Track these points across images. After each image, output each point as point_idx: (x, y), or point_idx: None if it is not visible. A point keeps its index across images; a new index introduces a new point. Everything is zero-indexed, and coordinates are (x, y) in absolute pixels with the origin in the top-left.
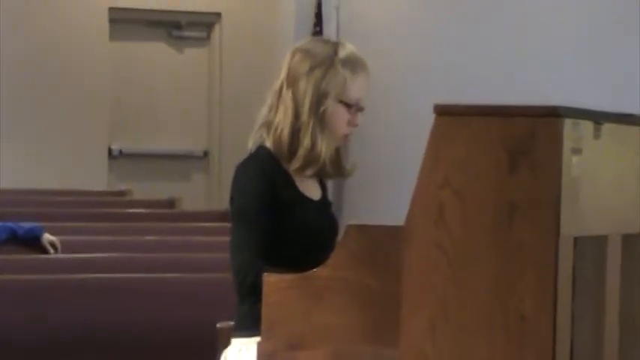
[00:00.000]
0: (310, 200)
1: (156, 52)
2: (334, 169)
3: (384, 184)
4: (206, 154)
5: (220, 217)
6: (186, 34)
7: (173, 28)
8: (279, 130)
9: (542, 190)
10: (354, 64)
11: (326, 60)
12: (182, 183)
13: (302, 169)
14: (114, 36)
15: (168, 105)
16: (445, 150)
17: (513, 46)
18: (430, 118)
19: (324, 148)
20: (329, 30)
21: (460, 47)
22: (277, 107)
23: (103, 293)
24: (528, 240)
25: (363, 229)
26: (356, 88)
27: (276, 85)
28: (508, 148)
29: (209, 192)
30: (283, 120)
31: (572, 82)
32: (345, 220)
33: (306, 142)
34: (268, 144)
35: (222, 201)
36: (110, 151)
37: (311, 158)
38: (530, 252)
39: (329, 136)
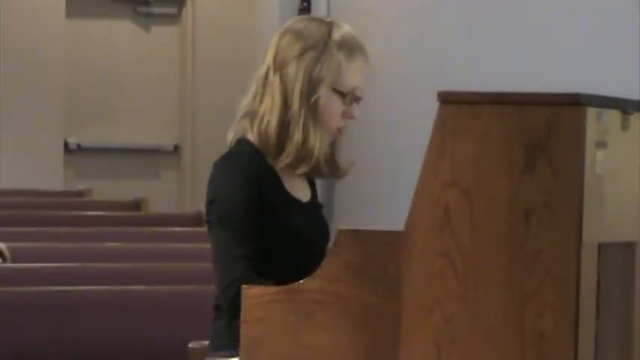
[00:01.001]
0: (299, 202)
1: (119, 31)
2: (328, 167)
3: (381, 182)
4: (177, 148)
5: (193, 220)
6: (155, 10)
7: (139, 3)
8: (265, 122)
9: (563, 191)
10: (350, 47)
11: (319, 42)
12: (150, 182)
13: (292, 166)
14: (71, 12)
15: (133, 92)
16: (451, 144)
17: (529, 30)
18: (433, 107)
19: (318, 143)
20: (318, 6)
21: (467, 32)
22: (263, 95)
23: (58, 308)
24: (547, 247)
25: (356, 234)
26: (352, 74)
27: (262, 70)
28: (524, 141)
29: (181, 192)
30: (270, 110)
31: (595, 70)
32: (336, 225)
33: (297, 135)
34: (251, 137)
35: (195, 202)
36: (66, 145)
37: (303, 154)
38: (549, 261)
39: (322, 129)
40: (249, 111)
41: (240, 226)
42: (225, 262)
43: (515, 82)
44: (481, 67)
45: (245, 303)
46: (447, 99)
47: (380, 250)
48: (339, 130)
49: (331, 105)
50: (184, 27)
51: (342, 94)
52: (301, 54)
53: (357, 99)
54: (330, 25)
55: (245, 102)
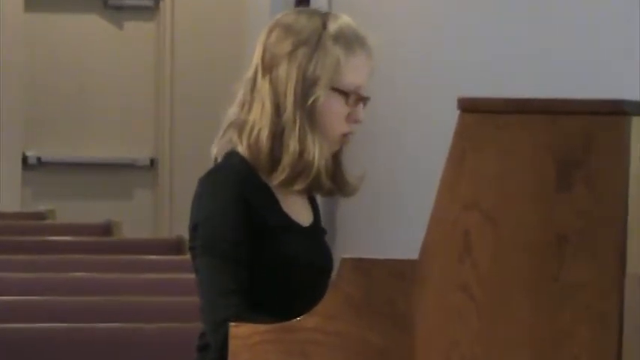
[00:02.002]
0: (298, 227)
1: (87, 27)
2: (332, 182)
3: (391, 203)
4: (153, 162)
5: (173, 247)
6: (127, 2)
7: None
8: (255, 132)
9: (602, 214)
10: (349, 39)
11: (312, 36)
12: (122, 202)
13: (288, 182)
14: (30, 5)
15: (103, 97)
16: (473, 159)
17: (558, 29)
18: (452, 116)
19: (317, 153)
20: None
21: (487, 30)
22: (252, 101)
23: (17, 347)
24: (583, 280)
25: (359, 264)
26: (353, 70)
27: (250, 73)
28: (557, 156)
29: (158, 214)
30: (260, 118)
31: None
32: (338, 252)
33: (292, 145)
34: (241, 150)
35: (175, 226)
36: (25, 159)
37: (300, 167)
38: (586, 297)
39: (322, 136)
40: (237, 120)
41: (230, 254)
42: (214, 299)
43: (540, 84)
44: (500, 68)
45: (232, 344)
46: (468, 107)
47: (388, 283)
48: (344, 137)
49: (332, 106)
50: (162, 22)
51: (343, 94)
52: (292, 51)
53: (362, 100)
54: (324, 17)
55: (232, 110)
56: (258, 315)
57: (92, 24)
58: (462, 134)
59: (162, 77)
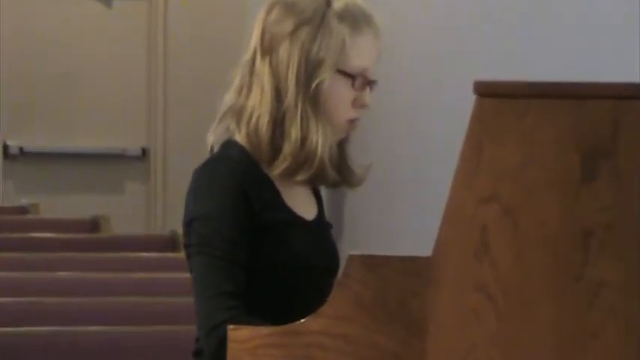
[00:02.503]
0: (302, 221)
1: (72, 6)
2: (337, 172)
3: (402, 196)
4: (145, 152)
5: (167, 244)
6: None
7: None
8: (254, 119)
9: (630, 208)
10: (355, 18)
11: (316, 14)
12: (111, 195)
13: (290, 172)
14: None
15: (90, 83)
16: (490, 148)
17: (558, 27)
18: (467, 101)
19: (321, 141)
20: None
21: (500, 12)
22: (250, 86)
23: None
24: (609, 280)
25: (370, 261)
26: (360, 52)
27: (248, 55)
28: (582, 145)
29: (150, 208)
30: (260, 103)
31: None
32: (346, 248)
33: (294, 133)
34: (239, 138)
35: (168, 221)
36: (6, 149)
37: (302, 156)
38: (612, 297)
39: (327, 122)
40: (234, 107)
41: (226, 253)
42: (208, 300)
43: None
44: (520, 52)
45: (231, 348)
46: (486, 91)
47: (400, 282)
48: (350, 123)
49: (337, 90)
50: (154, 2)
51: (349, 77)
52: (294, 30)
53: (369, 83)
54: None
55: (228, 96)
56: (255, 319)
57: (78, 3)
58: (479, 121)
59: (154, 60)
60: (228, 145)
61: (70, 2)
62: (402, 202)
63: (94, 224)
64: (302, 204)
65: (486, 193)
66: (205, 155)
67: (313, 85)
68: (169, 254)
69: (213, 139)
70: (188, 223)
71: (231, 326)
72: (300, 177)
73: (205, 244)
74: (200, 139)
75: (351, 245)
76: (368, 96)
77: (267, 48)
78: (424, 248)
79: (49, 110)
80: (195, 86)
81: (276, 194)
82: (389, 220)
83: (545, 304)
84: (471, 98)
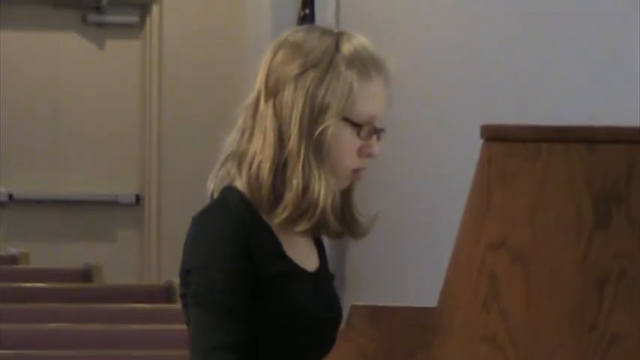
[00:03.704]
0: (304, 272)
1: (64, 45)
2: (341, 222)
3: (406, 243)
4: (139, 199)
5: (161, 294)
6: (109, 18)
7: (89, 9)
8: (255, 164)
9: None
10: (365, 63)
11: (324, 58)
12: (104, 244)
13: (291, 222)
14: (1, 20)
15: (82, 125)
16: (499, 193)
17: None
18: (475, 142)
19: (324, 190)
20: (324, 16)
21: (516, 41)
22: (253, 129)
23: None
24: (626, 329)
25: (374, 313)
26: (368, 99)
27: (251, 98)
28: (595, 190)
29: (144, 257)
30: (262, 148)
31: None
32: (348, 299)
33: (295, 180)
34: (240, 184)
35: (164, 270)
36: None
37: (304, 206)
38: (630, 347)
39: (330, 171)
40: (236, 151)
41: (225, 305)
42: (204, 354)
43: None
44: (528, 86)
45: None
46: (494, 135)
47: (406, 334)
48: (356, 173)
49: (342, 138)
50: (148, 41)
51: (356, 125)
52: (300, 74)
53: (377, 131)
54: (337, 36)
55: (230, 139)
56: None
57: (70, 42)
58: (486, 165)
59: (148, 102)
60: (228, 191)
61: (61, 42)
62: (408, 248)
63: (85, 274)
64: (303, 254)
65: (495, 239)
66: (203, 201)
67: (317, 132)
68: (164, 305)
69: (214, 184)
70: (186, 273)
71: None
72: (301, 227)
73: (203, 296)
74: (196, 185)
75: (353, 294)
76: (375, 145)
77: (272, 90)
78: (430, 299)
79: (39, 155)
80: (191, 130)
81: (277, 244)
82: (393, 267)
83: (557, 355)
84: (478, 140)
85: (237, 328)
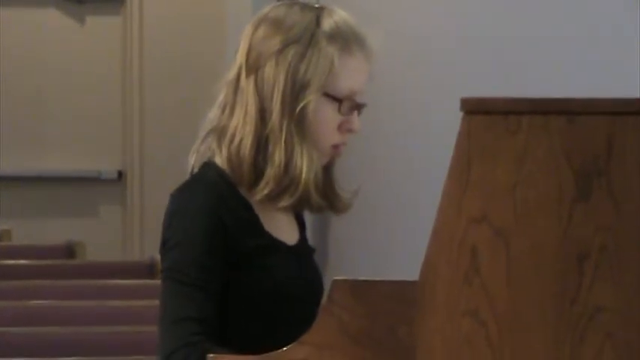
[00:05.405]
0: (283, 246)
1: (44, 22)
2: (322, 198)
3: (388, 217)
4: (121, 175)
5: (144, 270)
6: None
7: None
8: (236, 140)
9: (627, 228)
10: (346, 38)
11: (305, 33)
12: (86, 220)
13: (272, 198)
14: None
15: (63, 103)
16: (480, 167)
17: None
18: (454, 117)
19: (305, 165)
20: None
21: (502, 22)
22: (233, 105)
23: None
24: (607, 304)
25: (356, 287)
26: (349, 74)
27: (232, 74)
28: (576, 163)
29: (126, 233)
30: (243, 124)
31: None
32: (331, 273)
33: (277, 156)
34: (220, 160)
35: (146, 246)
36: None
37: (286, 181)
38: (611, 323)
39: (312, 146)
40: (217, 126)
41: (196, 279)
42: (170, 325)
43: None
44: (509, 67)
45: None
46: (474, 108)
47: (387, 308)
48: (336, 148)
49: (323, 114)
50: (129, 17)
51: (337, 100)
52: (281, 50)
53: (357, 107)
54: (318, 12)
55: (211, 115)
56: (223, 348)
57: (50, 19)
58: (466, 139)
59: (130, 79)
60: (207, 167)
61: (41, 19)
62: (389, 223)
63: (68, 250)
64: (283, 229)
65: (476, 213)
66: (184, 177)
67: (298, 108)
68: (147, 281)
69: (194, 159)
70: (163, 246)
71: (211, 355)
72: (283, 202)
73: (176, 270)
74: (178, 161)
75: (335, 270)
76: (356, 121)
77: (253, 66)
78: (412, 272)
79: (21, 131)
80: (172, 106)
81: (255, 219)
82: (375, 242)
83: (539, 329)
84: (459, 116)
85: (207, 303)
